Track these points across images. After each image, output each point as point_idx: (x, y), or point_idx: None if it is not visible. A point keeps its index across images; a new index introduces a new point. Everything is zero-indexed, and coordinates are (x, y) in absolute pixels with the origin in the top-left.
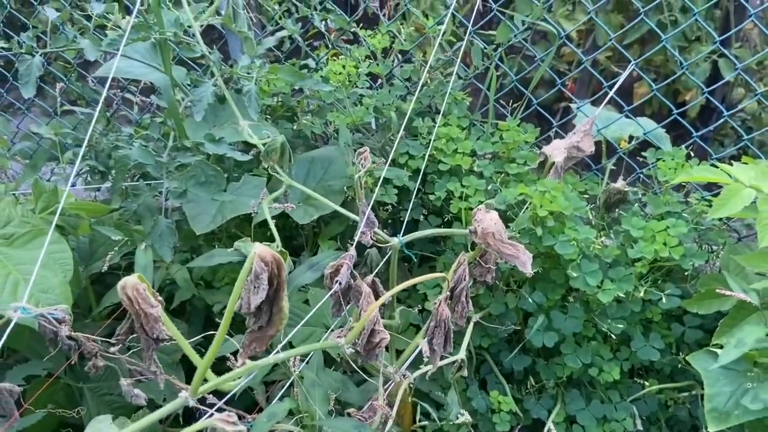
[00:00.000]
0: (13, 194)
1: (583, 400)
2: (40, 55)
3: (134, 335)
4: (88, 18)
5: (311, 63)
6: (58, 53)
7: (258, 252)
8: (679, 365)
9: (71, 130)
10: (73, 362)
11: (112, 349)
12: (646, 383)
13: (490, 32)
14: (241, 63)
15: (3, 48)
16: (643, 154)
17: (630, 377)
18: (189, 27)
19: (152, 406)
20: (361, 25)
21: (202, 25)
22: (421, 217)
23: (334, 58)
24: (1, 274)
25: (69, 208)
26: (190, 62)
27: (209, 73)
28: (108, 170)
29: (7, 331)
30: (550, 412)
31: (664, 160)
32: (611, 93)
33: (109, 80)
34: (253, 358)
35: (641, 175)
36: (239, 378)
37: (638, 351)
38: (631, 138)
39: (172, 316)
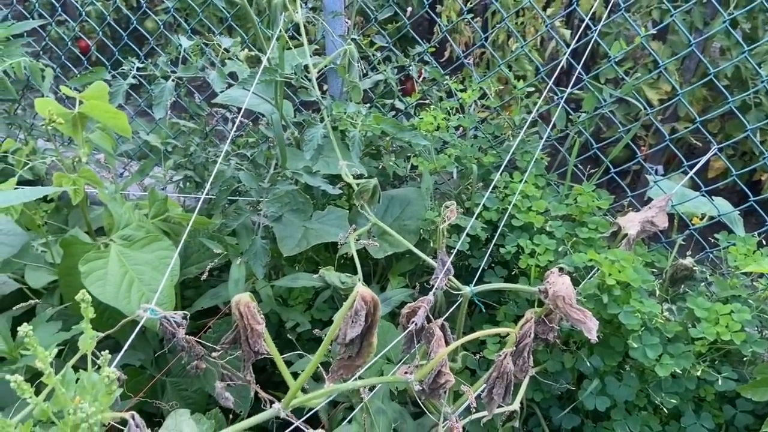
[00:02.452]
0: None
1: None
2: (172, 80)
3: (235, 344)
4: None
5: (399, 104)
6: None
7: (360, 292)
8: None
9: (172, 138)
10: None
11: (214, 354)
12: None
13: (575, 91)
14: (348, 110)
15: (139, 68)
16: (715, 236)
17: None
18: (307, 71)
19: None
20: (442, 61)
21: (319, 71)
22: (487, 267)
23: (423, 102)
24: (120, 272)
25: (176, 217)
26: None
27: (319, 115)
28: (203, 181)
29: (137, 328)
30: None
31: (735, 245)
32: (691, 173)
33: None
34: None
35: (710, 255)
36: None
37: (688, 428)
38: (703, 216)
39: None
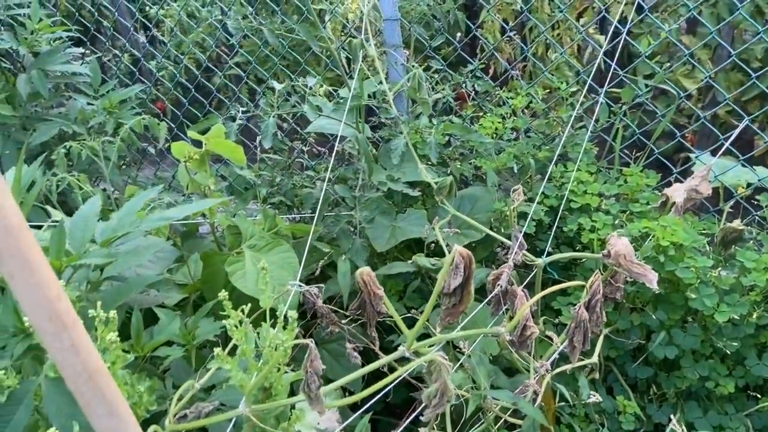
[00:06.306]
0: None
1: (700, 411)
2: (274, 116)
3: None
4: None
5: (455, 118)
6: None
7: (458, 249)
8: None
9: (261, 171)
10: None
11: (344, 321)
12: (760, 398)
13: (614, 90)
14: (422, 121)
15: (243, 111)
16: (757, 197)
17: (744, 392)
18: (384, 95)
19: None
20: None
21: (394, 94)
22: (552, 248)
23: (476, 115)
24: (254, 271)
25: (285, 228)
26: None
27: (397, 129)
28: (293, 204)
29: (287, 301)
30: (670, 419)
31: None
32: (727, 144)
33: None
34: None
35: (757, 217)
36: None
37: (752, 368)
38: (748, 184)
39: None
